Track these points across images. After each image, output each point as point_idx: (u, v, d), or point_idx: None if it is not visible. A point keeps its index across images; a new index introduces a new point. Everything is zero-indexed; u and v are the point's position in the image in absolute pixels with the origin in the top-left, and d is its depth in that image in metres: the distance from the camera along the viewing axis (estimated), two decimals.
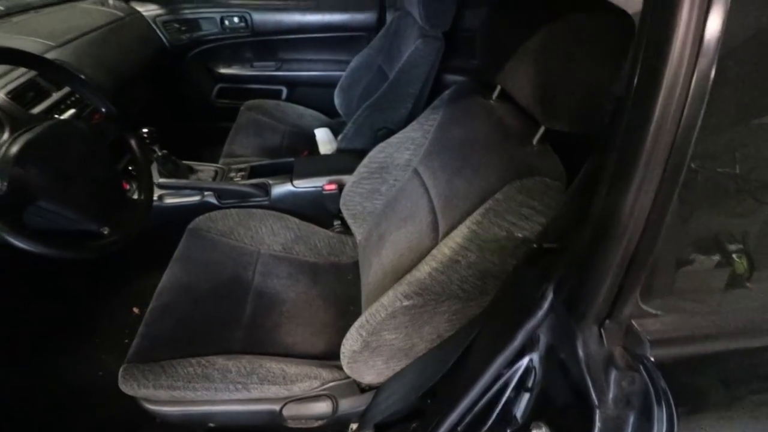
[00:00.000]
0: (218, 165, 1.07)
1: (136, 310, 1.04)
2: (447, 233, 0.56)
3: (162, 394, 0.62)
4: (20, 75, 0.81)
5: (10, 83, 0.77)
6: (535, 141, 0.53)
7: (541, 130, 0.52)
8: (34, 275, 0.92)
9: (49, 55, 0.93)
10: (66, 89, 0.87)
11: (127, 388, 0.62)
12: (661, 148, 0.23)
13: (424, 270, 0.51)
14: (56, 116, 0.79)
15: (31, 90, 0.80)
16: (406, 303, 0.50)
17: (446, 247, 0.50)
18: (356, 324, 0.56)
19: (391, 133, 1.06)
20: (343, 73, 1.32)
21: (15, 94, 0.75)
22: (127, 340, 0.68)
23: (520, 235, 0.45)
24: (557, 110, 0.45)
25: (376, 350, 0.56)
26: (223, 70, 1.45)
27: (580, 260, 0.29)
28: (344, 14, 1.41)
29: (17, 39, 0.95)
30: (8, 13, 1.09)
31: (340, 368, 0.61)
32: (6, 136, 0.65)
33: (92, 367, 0.95)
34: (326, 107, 1.43)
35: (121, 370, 0.63)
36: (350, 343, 0.56)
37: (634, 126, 0.24)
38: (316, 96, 1.48)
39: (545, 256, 0.37)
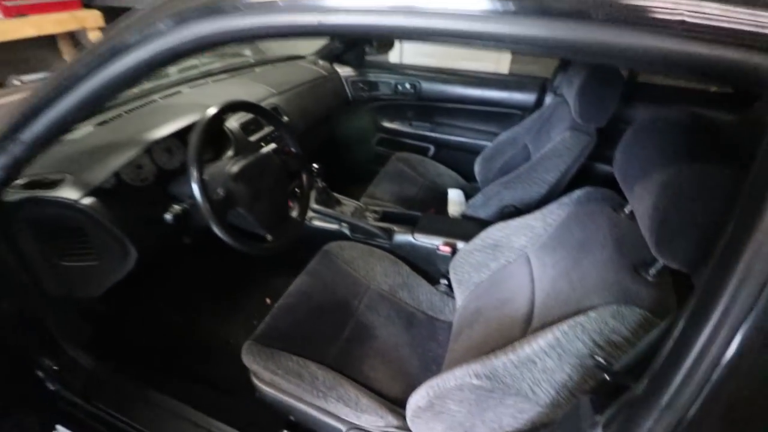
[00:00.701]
0: (358, 203, 1.26)
1: (268, 300, 1.28)
2: (536, 330, 0.57)
3: (266, 375, 0.78)
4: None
5: (242, 118, 1.08)
6: (651, 271, 0.52)
7: (660, 262, 0.51)
8: (209, 256, 1.23)
9: (270, 100, 1.26)
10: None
11: (246, 359, 0.79)
12: None
13: (501, 357, 0.54)
14: (263, 145, 1.07)
15: (253, 124, 1.11)
16: (475, 382, 0.53)
17: (528, 345, 0.52)
18: (428, 382, 0.61)
19: (517, 212, 1.09)
20: (489, 144, 1.41)
21: (243, 125, 1.06)
22: (255, 322, 0.87)
23: (601, 360, 0.45)
24: (672, 246, 0.44)
25: (438, 415, 0.60)
26: (386, 124, 1.71)
27: (634, 405, 0.31)
28: (504, 92, 1.51)
29: (255, 86, 1.32)
30: (254, 64, 1.52)
31: (404, 418, 0.67)
32: (231, 153, 0.93)
33: (227, 332, 1.20)
34: (465, 171, 1.54)
35: (245, 344, 0.80)
36: (417, 397, 0.61)
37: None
38: (458, 159, 1.60)
39: (614, 389, 0.37)
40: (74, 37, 2.72)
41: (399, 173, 1.50)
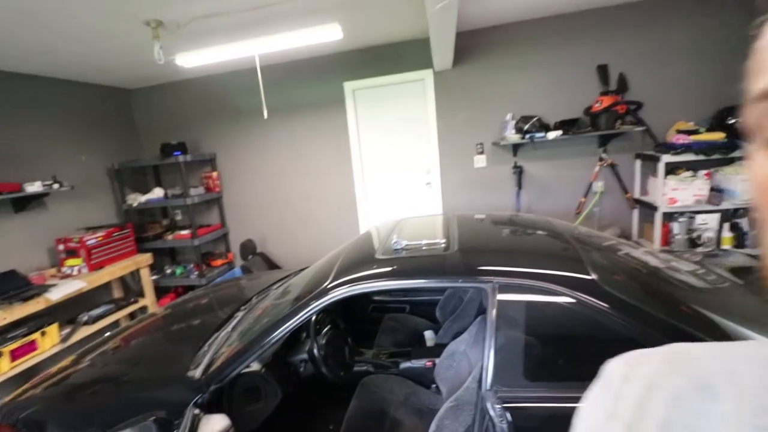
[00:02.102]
0: (373, 350, 2.07)
1: (331, 427, 1.91)
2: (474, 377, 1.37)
3: None
4: None
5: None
6: None
7: None
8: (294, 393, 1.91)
9: None
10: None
11: None
12: None
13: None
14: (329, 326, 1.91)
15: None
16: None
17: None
18: None
19: (460, 334, 1.95)
20: (441, 297, 2.34)
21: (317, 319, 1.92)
22: None
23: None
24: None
25: None
26: (376, 298, 2.63)
27: None
28: None
29: None
30: None
31: None
32: (322, 331, 1.78)
33: None
34: (432, 317, 2.42)
35: None
36: None
37: None
38: (427, 310, 2.50)
39: None
40: (122, 276, 3.61)
41: (392, 328, 2.35)
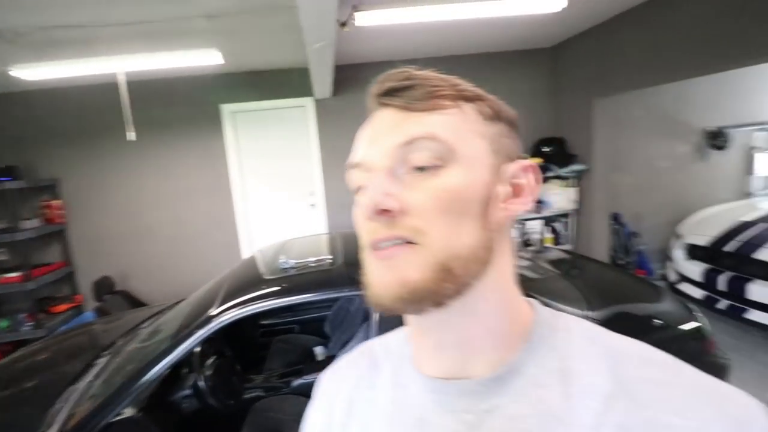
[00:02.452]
0: (263, 375, 2.03)
1: None
2: None
3: None
4: None
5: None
6: None
7: None
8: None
9: None
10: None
11: None
12: None
13: None
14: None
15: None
16: None
17: None
18: None
19: (348, 342, 2.08)
20: (329, 312, 2.43)
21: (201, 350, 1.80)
22: None
23: None
24: None
25: None
26: (264, 322, 2.57)
27: None
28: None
29: None
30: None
31: None
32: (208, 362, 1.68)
33: None
34: (323, 333, 2.48)
35: None
36: None
37: None
38: (316, 327, 2.56)
39: None
40: None
41: (282, 350, 2.33)
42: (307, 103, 3.60)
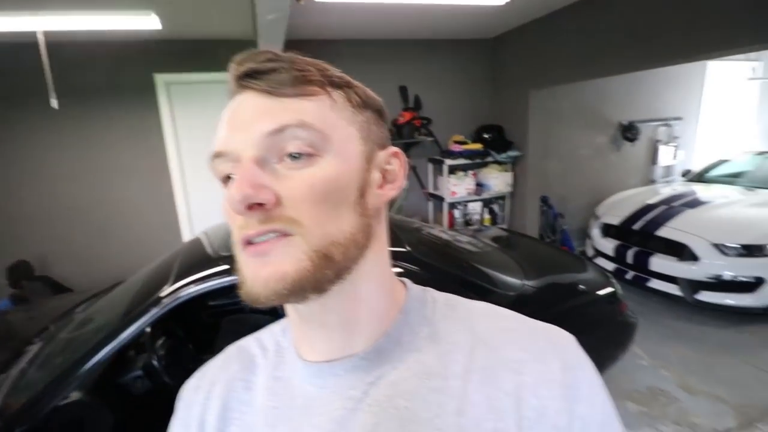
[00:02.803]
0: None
1: None
2: None
3: None
4: None
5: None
6: None
7: None
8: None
9: None
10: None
11: None
12: None
13: None
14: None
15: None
16: None
17: None
18: None
19: None
20: None
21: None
22: None
23: None
24: None
25: None
26: (212, 303, 2.51)
27: None
28: None
29: None
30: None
31: None
32: (158, 343, 1.62)
33: None
34: (274, 311, 2.48)
35: None
36: None
37: None
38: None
39: None
40: None
41: (232, 330, 2.29)
42: None
